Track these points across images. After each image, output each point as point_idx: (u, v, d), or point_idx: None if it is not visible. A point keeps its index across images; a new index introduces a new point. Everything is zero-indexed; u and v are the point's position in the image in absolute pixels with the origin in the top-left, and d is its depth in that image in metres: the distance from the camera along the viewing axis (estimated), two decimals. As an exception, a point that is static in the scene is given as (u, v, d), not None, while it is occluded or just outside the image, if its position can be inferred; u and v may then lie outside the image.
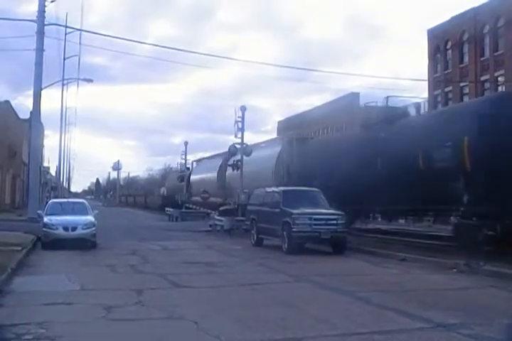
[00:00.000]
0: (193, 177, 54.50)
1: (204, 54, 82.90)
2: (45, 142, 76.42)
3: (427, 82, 51.90)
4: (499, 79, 45.10)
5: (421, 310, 10.11)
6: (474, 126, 18.99)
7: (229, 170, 38.82)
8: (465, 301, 11.34)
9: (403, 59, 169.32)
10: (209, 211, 45.10)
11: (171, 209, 54.37)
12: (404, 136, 23.40)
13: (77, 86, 62.84)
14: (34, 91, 35.36)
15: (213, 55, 71.00)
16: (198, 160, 61.07)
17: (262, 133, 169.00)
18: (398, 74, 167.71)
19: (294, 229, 20.80)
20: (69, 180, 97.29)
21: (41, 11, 33.73)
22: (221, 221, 32.88)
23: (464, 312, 9.93)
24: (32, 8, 34.14)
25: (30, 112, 40.27)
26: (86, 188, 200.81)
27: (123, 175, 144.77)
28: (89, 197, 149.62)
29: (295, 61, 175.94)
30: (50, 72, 68.82)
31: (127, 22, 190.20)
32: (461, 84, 48.77)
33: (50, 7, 39.61)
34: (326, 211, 21.75)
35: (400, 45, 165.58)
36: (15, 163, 57.44)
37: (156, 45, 67.08)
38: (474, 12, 46.86)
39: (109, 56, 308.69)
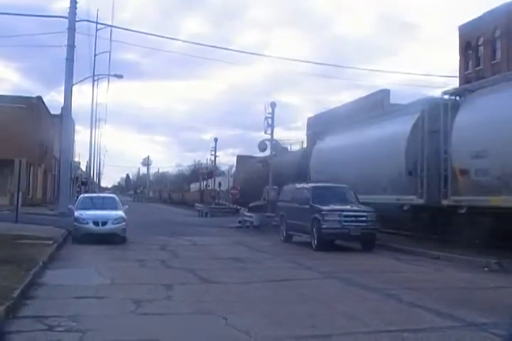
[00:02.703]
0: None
1: (235, 50, 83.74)
2: (76, 137, 77.05)
3: (457, 79, 51.44)
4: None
5: (452, 308, 10.00)
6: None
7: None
8: (497, 301, 11.18)
9: (436, 55, 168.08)
10: (239, 207, 45.20)
11: (201, 205, 54.63)
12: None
13: (108, 82, 63.27)
14: (65, 87, 35.70)
15: (244, 52, 71.05)
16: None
17: (292, 130, 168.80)
18: (431, 70, 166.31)
19: (324, 226, 20.74)
20: (99, 175, 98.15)
21: (72, 7, 34.01)
22: (251, 217, 32.93)
23: (496, 311, 9.77)
24: (64, 5, 34.52)
25: (62, 108, 40.66)
26: (116, 183, 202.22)
27: (153, 170, 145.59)
28: (126, 192, 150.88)
29: (326, 58, 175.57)
30: (81, 68, 69.64)
31: (158, 18, 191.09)
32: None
33: (81, 3, 39.99)
34: (355, 208, 21.66)
35: (433, 42, 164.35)
36: (46, 158, 57.98)
37: (187, 42, 68.14)
38: (506, 8, 46.25)
39: (140, 52, 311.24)
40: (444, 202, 20.43)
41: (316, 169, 31.33)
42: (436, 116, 21.49)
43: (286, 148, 49.16)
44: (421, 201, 21.74)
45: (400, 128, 23.84)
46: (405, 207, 22.44)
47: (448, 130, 20.64)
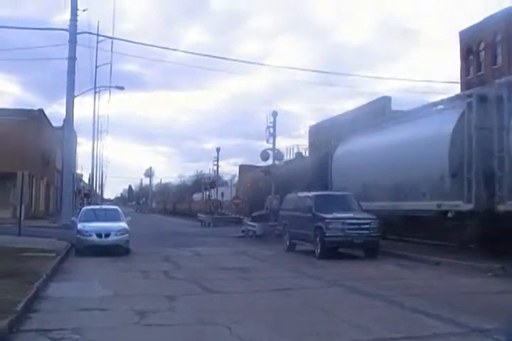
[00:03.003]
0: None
1: (236, 60, 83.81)
2: (78, 149, 76.93)
3: (459, 85, 51.46)
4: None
5: (456, 314, 9.98)
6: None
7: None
8: (501, 306, 11.15)
9: (437, 61, 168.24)
10: (240, 217, 45.16)
11: (203, 215, 54.66)
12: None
13: (109, 93, 63.46)
14: (67, 100, 35.84)
15: (245, 62, 71.38)
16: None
17: (295, 138, 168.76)
18: (432, 76, 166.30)
19: (327, 234, 20.72)
20: (102, 186, 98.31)
21: (73, 19, 34.20)
22: (254, 226, 32.94)
23: (499, 317, 9.75)
24: (65, 17, 34.65)
25: (64, 120, 40.77)
26: (119, 195, 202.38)
27: (155, 181, 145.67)
28: (127, 203, 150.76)
29: (328, 65, 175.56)
30: (82, 80, 69.76)
31: (160, 29, 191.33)
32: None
33: (82, 16, 40.15)
34: (358, 215, 21.64)
35: (434, 47, 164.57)
36: (49, 170, 58.13)
37: (189, 52, 67.85)
38: (507, 12, 46.30)
39: (142, 63, 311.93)
40: (501, 208, 18.05)
41: (339, 173, 28.83)
42: (486, 111, 19.03)
43: (301, 153, 48.08)
44: (469, 206, 19.04)
45: (442, 125, 21.19)
46: (449, 214, 20.00)
47: (504, 125, 18.18)
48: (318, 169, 31.54)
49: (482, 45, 50.48)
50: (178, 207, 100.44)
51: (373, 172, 25.07)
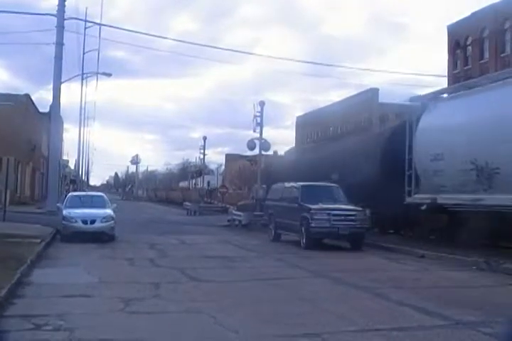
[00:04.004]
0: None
1: (225, 49, 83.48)
2: (65, 136, 76.81)
3: (446, 78, 51.59)
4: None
5: (440, 307, 10.02)
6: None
7: None
8: (484, 299, 11.23)
9: (425, 55, 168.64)
10: (227, 206, 45.25)
11: (189, 204, 54.66)
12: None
13: (97, 80, 63.14)
14: (54, 85, 35.61)
15: (234, 50, 71.06)
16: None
17: (282, 128, 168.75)
18: (421, 70, 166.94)
19: (312, 225, 20.75)
20: (88, 173, 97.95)
21: (61, 5, 33.93)
22: (239, 216, 32.94)
23: (483, 310, 9.83)
24: (54, 3, 34.30)
25: (50, 106, 40.53)
26: (105, 182, 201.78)
27: (142, 168, 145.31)
28: (114, 190, 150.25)
29: (317, 57, 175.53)
30: (70, 66, 69.28)
31: (148, 16, 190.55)
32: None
33: (70, 1, 39.78)
34: (344, 207, 21.68)
35: (423, 41, 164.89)
36: (34, 156, 57.75)
37: (177, 40, 67.48)
38: (494, 8, 46.44)
39: (130, 50, 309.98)
40: None
41: (429, 152, 20.91)
42: None
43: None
44: None
45: None
46: None
47: None
48: (378, 149, 25.18)
49: (469, 40, 50.65)
50: (170, 195, 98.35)
51: (486, 151, 18.18)
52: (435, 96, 22.79)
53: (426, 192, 21.38)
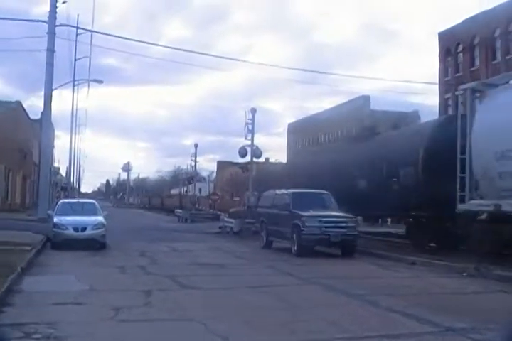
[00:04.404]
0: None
1: (217, 56, 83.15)
2: (56, 143, 76.47)
3: (437, 85, 51.81)
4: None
5: (430, 313, 10.04)
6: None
7: None
8: (474, 305, 11.27)
9: (416, 62, 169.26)
10: (218, 213, 45.22)
11: (181, 211, 54.60)
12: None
13: (88, 87, 62.94)
14: (45, 92, 35.45)
15: (226, 58, 70.72)
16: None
17: (274, 136, 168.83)
18: (412, 77, 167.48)
19: (304, 232, 20.75)
20: (79, 180, 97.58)
21: (52, 11, 33.81)
22: (231, 223, 32.92)
23: (473, 316, 9.86)
24: (46, 9, 34.24)
25: (41, 113, 40.41)
26: (96, 189, 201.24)
27: (133, 176, 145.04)
28: (102, 197, 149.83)
29: (309, 64, 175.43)
30: (62, 72, 69.15)
31: (140, 23, 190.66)
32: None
33: (62, 8, 39.68)
34: (335, 214, 21.69)
35: (414, 48, 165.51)
36: (25, 163, 57.59)
37: (169, 47, 67.51)
38: (485, 15, 46.70)
39: (122, 57, 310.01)
40: None
41: (492, 149, 17.53)
42: None
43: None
44: None
45: None
46: None
47: None
48: (418, 148, 21.75)
49: (460, 47, 50.86)
50: (167, 202, 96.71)
51: None
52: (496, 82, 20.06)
53: (486, 197, 18.03)
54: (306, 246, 21.05)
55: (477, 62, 48.76)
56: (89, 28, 64.13)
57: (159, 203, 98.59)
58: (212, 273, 15.93)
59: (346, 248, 21.16)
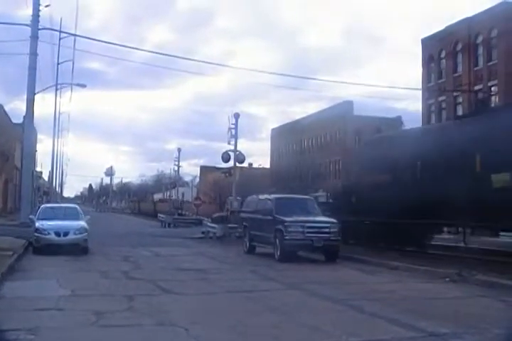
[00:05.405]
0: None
1: (200, 61, 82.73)
2: (38, 147, 76.18)
3: (420, 91, 52.07)
4: (492, 89, 45.24)
5: (413, 319, 10.06)
6: None
7: None
8: (457, 311, 11.30)
9: (400, 67, 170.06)
10: (201, 218, 45.14)
11: (164, 216, 54.43)
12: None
13: (71, 91, 62.76)
14: (27, 96, 35.25)
15: (209, 62, 70.30)
16: None
17: (257, 141, 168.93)
18: (395, 82, 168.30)
19: (287, 237, 20.74)
20: (62, 185, 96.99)
21: (35, 15, 33.66)
22: (214, 228, 32.87)
23: (456, 321, 9.90)
24: (29, 12, 34.07)
25: (24, 116, 40.18)
26: (79, 193, 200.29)
27: (116, 180, 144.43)
28: (79, 201, 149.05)
29: (292, 69, 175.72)
30: (44, 76, 68.86)
31: (124, 27, 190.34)
32: (455, 94, 48.86)
33: (45, 11, 39.49)
34: (318, 219, 21.72)
35: (398, 54, 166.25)
36: (7, 167, 57.24)
37: (153, 52, 67.20)
38: (468, 22, 47.04)
39: (105, 61, 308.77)
40: None
41: None
42: None
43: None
44: None
45: None
46: None
47: None
48: None
49: (443, 53, 51.15)
50: (157, 208, 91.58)
51: None
52: None
53: None
54: (289, 252, 21.04)
55: (460, 68, 49.05)
56: (73, 31, 64.00)
57: (151, 208, 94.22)
58: (195, 278, 15.87)
59: (329, 253, 21.16)
